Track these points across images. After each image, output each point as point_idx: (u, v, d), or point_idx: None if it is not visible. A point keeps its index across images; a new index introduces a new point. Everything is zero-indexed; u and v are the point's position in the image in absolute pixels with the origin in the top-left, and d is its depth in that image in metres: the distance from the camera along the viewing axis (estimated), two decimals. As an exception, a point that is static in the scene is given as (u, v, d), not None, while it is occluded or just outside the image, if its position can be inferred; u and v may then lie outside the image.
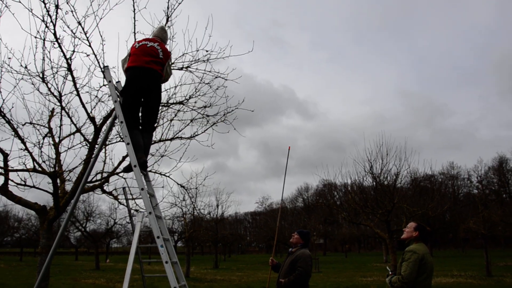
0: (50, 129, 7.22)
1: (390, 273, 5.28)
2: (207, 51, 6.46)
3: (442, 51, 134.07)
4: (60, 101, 5.95)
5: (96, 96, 6.11)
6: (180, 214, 27.82)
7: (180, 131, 7.28)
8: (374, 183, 15.03)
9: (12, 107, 5.99)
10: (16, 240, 64.23)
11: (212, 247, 39.65)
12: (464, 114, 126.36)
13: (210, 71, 6.67)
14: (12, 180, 6.23)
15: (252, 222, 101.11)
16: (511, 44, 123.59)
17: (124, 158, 7.25)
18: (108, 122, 6.11)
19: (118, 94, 5.33)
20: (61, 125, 5.94)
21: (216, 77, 6.62)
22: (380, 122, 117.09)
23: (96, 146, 6.16)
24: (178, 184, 7.73)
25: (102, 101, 6.29)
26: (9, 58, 5.88)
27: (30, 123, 6.83)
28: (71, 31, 5.80)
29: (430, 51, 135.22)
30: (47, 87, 5.95)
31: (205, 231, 33.58)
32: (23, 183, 6.21)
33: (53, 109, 7.62)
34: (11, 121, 6.09)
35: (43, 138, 6.87)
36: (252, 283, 20.48)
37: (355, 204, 15.77)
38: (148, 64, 5.34)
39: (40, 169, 6.10)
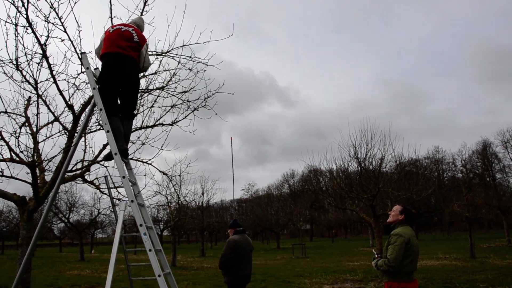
0: (27, 118, 7.03)
1: (376, 256, 5.29)
2: (190, 44, 6.33)
3: (422, 40, 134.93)
4: (36, 89, 5.76)
5: (74, 84, 5.93)
6: (165, 203, 27.70)
7: (160, 117, 7.16)
8: (359, 168, 15.08)
9: (-14, 94, 5.79)
10: (-4, 233, 63.25)
11: (198, 235, 39.66)
12: (445, 101, 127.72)
13: (190, 57, 6.53)
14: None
15: (238, 209, 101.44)
16: (490, 34, 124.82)
17: (104, 146, 7.11)
18: (87, 110, 5.95)
19: (96, 81, 5.19)
20: (38, 113, 5.76)
21: (197, 63, 6.48)
22: (361, 110, 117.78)
23: (76, 134, 6.00)
24: (160, 171, 7.62)
25: (80, 89, 6.11)
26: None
27: (5, 112, 6.64)
28: (44, 16, 5.60)
29: (410, 40, 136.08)
30: (22, 74, 5.75)
31: (190, 219, 33.52)
32: (0, 173, 6.04)
33: (30, 97, 7.41)
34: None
35: (20, 128, 6.69)
36: (239, 270, 20.53)
37: (340, 189, 15.82)
38: (124, 50, 5.18)
39: (17, 159, 5.93)
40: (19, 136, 6.52)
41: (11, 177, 6.06)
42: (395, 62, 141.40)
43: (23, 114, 7.10)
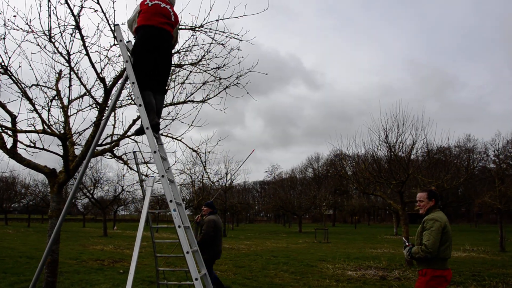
0: (58, 92, 7.02)
1: (407, 244, 5.06)
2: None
3: (453, 20, 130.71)
4: (68, 61, 5.70)
5: (106, 56, 5.85)
6: (188, 182, 27.87)
7: (191, 94, 7.05)
8: (389, 153, 14.73)
9: (19, 66, 5.76)
10: (23, 207, 65.02)
11: (220, 215, 40.00)
12: (476, 87, 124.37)
13: (223, 31, 6.36)
14: (21, 142, 6.06)
15: (260, 191, 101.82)
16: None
17: (134, 121, 7.06)
18: (118, 83, 5.88)
19: (129, 54, 5.10)
20: (70, 86, 5.72)
21: (230, 38, 6.31)
22: (388, 93, 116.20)
23: (107, 108, 5.95)
24: (190, 148, 7.54)
25: (113, 61, 6.04)
26: (14, 16, 5.61)
27: (37, 85, 6.61)
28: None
29: (441, 19, 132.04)
30: (54, 46, 5.70)
31: (214, 199, 33.75)
32: (32, 145, 6.05)
33: (61, 70, 7.39)
34: (18, 81, 5.88)
35: (51, 101, 6.67)
36: (261, 252, 20.60)
37: (368, 174, 15.54)
38: (163, 25, 5.14)
39: (49, 131, 5.93)
40: (49, 109, 6.50)
41: (43, 149, 6.07)
42: (425, 43, 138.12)
43: (54, 87, 7.08)
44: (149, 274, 11.74)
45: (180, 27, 5.67)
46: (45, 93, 6.80)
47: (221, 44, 6.32)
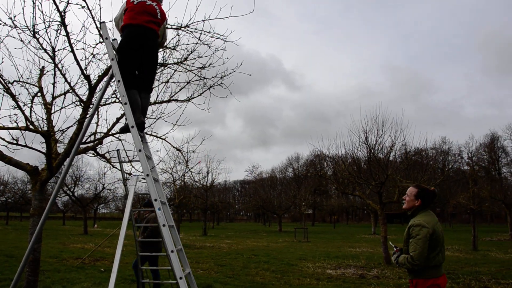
0: (41, 88, 6.95)
1: (395, 249, 4.54)
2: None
3: (429, 27, 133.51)
4: (53, 57, 5.66)
5: (92, 54, 5.83)
6: (170, 181, 27.76)
7: (176, 93, 7.07)
8: (369, 154, 14.97)
9: (2, 62, 5.69)
10: (1, 204, 64.00)
11: (200, 214, 39.85)
12: (450, 91, 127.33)
13: (209, 32, 6.40)
14: (3, 139, 6.00)
15: (241, 190, 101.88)
16: (497, 23, 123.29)
17: (118, 119, 7.04)
18: (103, 81, 5.87)
19: (115, 52, 5.10)
20: (54, 82, 5.66)
21: (215, 39, 6.35)
22: (365, 96, 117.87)
23: (91, 106, 5.93)
24: (174, 147, 7.55)
25: (98, 59, 6.01)
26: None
27: (19, 81, 6.54)
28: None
29: (418, 26, 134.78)
30: (39, 42, 5.65)
31: (195, 198, 33.67)
32: (15, 142, 5.99)
33: (43, 67, 7.32)
34: (2, 77, 5.81)
35: (33, 98, 6.60)
36: (242, 250, 20.67)
37: (348, 174, 15.76)
38: (148, 24, 5.13)
39: (33, 128, 5.87)
40: (32, 106, 6.44)
41: (26, 146, 6.01)
42: (402, 47, 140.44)
43: (37, 84, 7.01)
44: (130, 273, 11.67)
45: (166, 25, 5.67)
46: (27, 89, 6.73)
47: (207, 44, 6.35)
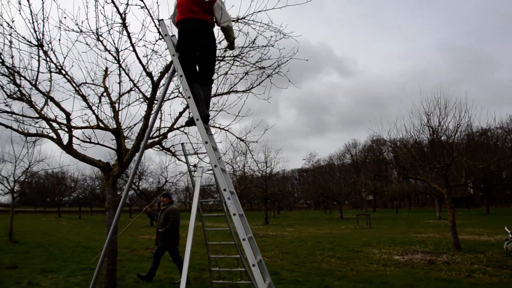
0: (106, 88, 7.25)
1: (511, 236, 4.33)
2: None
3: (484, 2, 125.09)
4: (117, 58, 5.89)
5: (153, 50, 6.01)
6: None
7: (235, 84, 7.14)
8: (432, 136, 14.39)
9: (72, 65, 6.02)
10: (73, 200, 68.00)
11: (261, 203, 40.16)
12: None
13: (267, 25, 6.39)
14: (78, 138, 6.36)
15: (299, 179, 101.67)
16: None
17: (181, 113, 7.22)
18: (165, 76, 6.04)
19: (175, 48, 5.21)
20: (120, 82, 5.91)
21: (274, 31, 6.33)
22: (422, 77, 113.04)
23: (155, 102, 6.13)
24: (237, 137, 7.66)
25: (159, 55, 6.19)
26: (64, 17, 5.83)
27: (85, 83, 6.83)
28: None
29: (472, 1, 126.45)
30: (103, 44, 5.91)
31: (255, 188, 34.01)
32: (88, 140, 6.32)
33: (107, 68, 7.63)
34: (73, 80, 6.14)
35: (100, 97, 6.90)
36: (305, 238, 20.68)
37: (411, 158, 15.26)
38: (197, 15, 5.13)
39: (103, 126, 6.17)
40: (98, 106, 6.73)
41: (98, 143, 6.34)
42: (457, 24, 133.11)
43: (102, 84, 7.32)
44: (198, 262, 12.04)
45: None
46: (93, 90, 7.04)
47: (266, 38, 6.34)
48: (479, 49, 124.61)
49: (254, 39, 6.54)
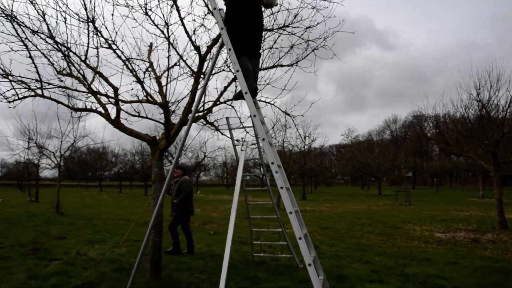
0: (151, 63, 7.32)
1: None
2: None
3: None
4: (167, 32, 5.92)
5: (202, 24, 5.99)
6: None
7: (280, 58, 7.06)
8: (481, 111, 13.84)
9: (122, 40, 6.09)
10: (114, 174, 70.20)
11: (298, 179, 40.18)
12: None
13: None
14: (127, 112, 6.49)
15: (337, 154, 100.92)
16: None
17: (225, 88, 7.23)
18: (213, 50, 6.04)
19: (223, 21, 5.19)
20: (169, 56, 5.95)
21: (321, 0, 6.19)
22: (469, 51, 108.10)
23: (203, 76, 6.15)
24: (283, 111, 7.65)
25: (209, 29, 6.17)
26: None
27: (131, 58, 6.89)
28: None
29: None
30: (151, 19, 5.94)
31: (293, 163, 34.02)
32: (137, 114, 6.45)
33: (151, 43, 7.70)
34: (123, 55, 6.24)
35: (145, 72, 6.98)
36: (343, 214, 20.64)
37: (458, 134, 14.79)
38: None
39: (151, 99, 6.27)
40: (143, 81, 6.80)
41: (146, 117, 6.47)
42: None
43: (147, 60, 7.40)
44: (239, 235, 12.25)
45: None
46: (138, 66, 7.11)
47: (313, 7, 6.21)
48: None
49: (298, 12, 6.41)
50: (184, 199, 9.61)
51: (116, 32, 5.85)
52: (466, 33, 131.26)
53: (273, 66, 7.07)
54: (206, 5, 5.85)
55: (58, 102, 6.68)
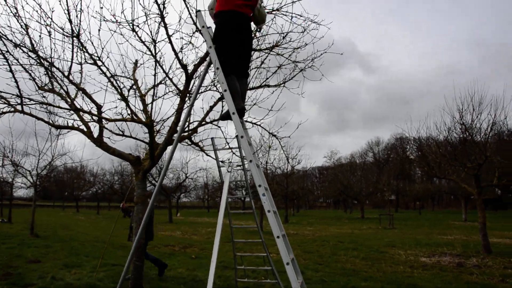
0: (135, 81, 7.18)
1: None
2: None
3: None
4: (154, 50, 5.79)
5: (190, 42, 5.90)
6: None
7: (267, 78, 7.00)
8: (464, 134, 13.97)
9: (108, 57, 5.96)
10: (92, 194, 68.73)
11: (280, 201, 39.93)
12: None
13: (300, 15, 6.24)
14: (111, 131, 6.30)
15: (319, 177, 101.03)
16: None
17: (211, 107, 7.11)
18: (199, 69, 5.93)
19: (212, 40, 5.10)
20: (155, 73, 5.82)
21: (309, 21, 6.18)
22: (451, 74, 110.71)
23: (189, 95, 6.02)
24: (270, 133, 7.54)
25: (197, 47, 6.07)
26: (101, 7, 5.76)
27: (116, 75, 6.74)
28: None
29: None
30: (138, 36, 5.82)
31: (276, 185, 33.83)
32: (121, 133, 6.26)
33: (137, 60, 7.57)
34: (109, 71, 6.08)
35: (129, 90, 6.83)
36: (327, 237, 20.45)
37: (441, 157, 14.86)
38: (239, 8, 5.06)
39: (136, 118, 6.10)
40: (127, 98, 6.64)
41: (131, 136, 6.28)
42: (489, 19, 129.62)
43: (131, 77, 7.25)
44: (221, 259, 11.96)
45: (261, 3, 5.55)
46: (122, 83, 6.96)
47: (302, 27, 6.20)
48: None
49: (288, 32, 6.38)
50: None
51: (103, 48, 5.70)
52: (448, 56, 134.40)
53: (260, 86, 6.99)
54: (194, 23, 5.77)
55: (38, 118, 6.47)
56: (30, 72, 5.97)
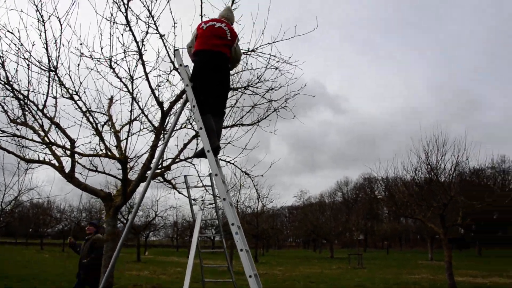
0: (110, 117, 7.19)
1: None
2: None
3: (476, 42, 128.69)
4: (131, 86, 5.86)
5: (168, 80, 6.01)
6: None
7: (242, 117, 7.14)
8: (429, 174, 14.46)
9: (84, 92, 5.98)
10: (57, 231, 66.17)
11: (250, 241, 39.49)
12: (502, 108, 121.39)
13: (275, 56, 6.48)
14: (84, 166, 6.23)
15: (289, 216, 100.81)
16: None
17: (185, 145, 7.15)
18: (176, 107, 6.01)
19: (189, 78, 5.21)
20: (131, 110, 5.87)
21: (283, 62, 6.42)
22: (412, 116, 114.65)
23: (164, 132, 6.07)
24: (242, 171, 7.60)
25: (174, 85, 6.18)
26: (80, 44, 5.83)
27: (91, 110, 6.73)
28: (136, 15, 5.70)
29: (464, 43, 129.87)
30: (115, 72, 5.89)
31: (247, 225, 33.57)
32: (94, 168, 6.20)
33: (112, 96, 7.60)
34: (85, 106, 6.09)
35: (103, 126, 6.82)
36: (297, 277, 20.28)
37: (409, 196, 15.24)
38: (218, 48, 5.20)
39: (110, 154, 6.07)
40: (101, 134, 6.63)
41: (104, 172, 6.21)
42: (447, 65, 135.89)
43: (106, 113, 7.25)
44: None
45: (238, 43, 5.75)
46: (96, 118, 6.95)
47: (276, 68, 6.43)
48: (469, 89, 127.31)
49: (264, 71, 6.60)
50: (97, 257, 7.83)
51: (81, 83, 5.74)
52: (413, 99, 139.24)
53: (234, 125, 7.11)
54: (172, 62, 5.89)
55: (8, 151, 6.36)
56: (2, 104, 5.92)
